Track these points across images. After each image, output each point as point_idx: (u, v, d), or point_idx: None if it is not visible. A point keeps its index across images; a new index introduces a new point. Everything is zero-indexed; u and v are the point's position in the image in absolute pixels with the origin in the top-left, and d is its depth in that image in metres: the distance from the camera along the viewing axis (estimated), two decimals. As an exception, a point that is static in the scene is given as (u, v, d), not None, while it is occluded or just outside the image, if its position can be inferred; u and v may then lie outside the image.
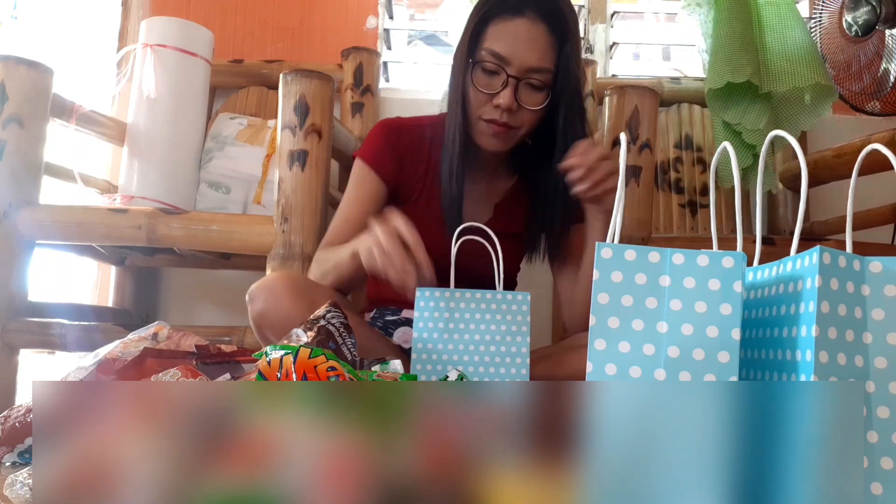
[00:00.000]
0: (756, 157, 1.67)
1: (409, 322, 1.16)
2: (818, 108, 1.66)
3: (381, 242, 0.90)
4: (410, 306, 1.17)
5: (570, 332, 1.21)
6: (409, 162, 1.18)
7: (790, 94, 1.65)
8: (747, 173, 1.67)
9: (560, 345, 1.29)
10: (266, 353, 0.67)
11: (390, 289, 1.22)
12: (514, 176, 1.24)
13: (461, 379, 0.77)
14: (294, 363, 0.64)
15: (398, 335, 1.15)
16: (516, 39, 1.05)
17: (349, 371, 0.66)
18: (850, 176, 0.59)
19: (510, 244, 1.23)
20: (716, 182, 1.78)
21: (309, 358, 0.64)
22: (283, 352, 0.65)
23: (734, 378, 0.46)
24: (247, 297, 1.08)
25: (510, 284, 1.32)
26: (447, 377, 0.81)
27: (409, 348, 1.13)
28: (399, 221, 0.92)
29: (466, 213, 1.16)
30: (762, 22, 1.68)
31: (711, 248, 0.49)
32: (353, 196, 1.19)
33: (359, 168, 1.19)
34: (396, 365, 0.84)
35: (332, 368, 0.64)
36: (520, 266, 1.31)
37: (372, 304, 1.25)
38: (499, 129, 1.09)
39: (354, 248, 0.97)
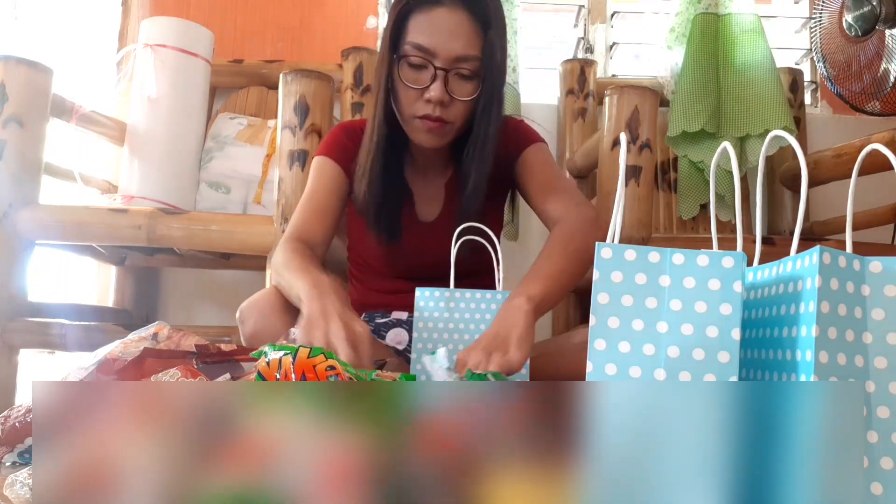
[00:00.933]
0: (717, 193, 1.81)
1: (399, 323, 1.16)
2: (778, 141, 1.76)
3: (332, 341, 0.82)
4: (400, 308, 1.17)
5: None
6: None
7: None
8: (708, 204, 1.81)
9: (557, 341, 1.29)
10: (265, 353, 0.67)
11: (374, 295, 1.22)
12: (451, 165, 1.21)
13: (467, 373, 0.77)
14: (293, 363, 0.64)
15: (391, 337, 1.15)
16: (439, 29, 1.01)
17: (347, 370, 0.66)
18: (850, 176, 0.59)
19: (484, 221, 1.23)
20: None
21: (308, 357, 0.64)
22: (282, 352, 0.65)
23: (734, 378, 0.46)
24: (237, 315, 1.06)
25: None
26: (435, 353, 0.80)
27: (402, 349, 1.13)
28: (361, 330, 0.84)
29: (422, 213, 1.18)
30: (727, 62, 1.77)
31: (711, 248, 0.49)
32: (322, 187, 1.15)
33: (323, 163, 1.16)
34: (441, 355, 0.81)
35: (331, 368, 0.64)
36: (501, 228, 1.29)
37: (358, 310, 1.23)
38: (433, 125, 1.05)
39: (308, 312, 0.87)
